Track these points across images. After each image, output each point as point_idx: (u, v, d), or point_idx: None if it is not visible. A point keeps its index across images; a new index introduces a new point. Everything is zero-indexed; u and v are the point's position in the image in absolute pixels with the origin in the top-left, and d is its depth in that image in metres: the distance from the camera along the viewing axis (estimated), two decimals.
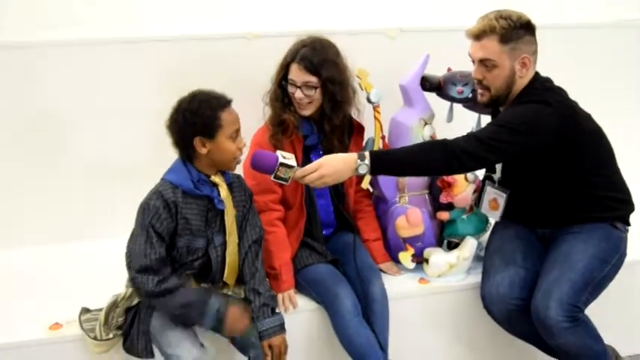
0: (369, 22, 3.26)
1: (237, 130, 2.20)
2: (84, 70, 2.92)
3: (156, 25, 3.12)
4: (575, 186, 2.42)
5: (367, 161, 2.19)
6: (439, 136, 2.72)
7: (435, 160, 2.25)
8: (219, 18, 3.24)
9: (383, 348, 2.43)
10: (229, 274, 2.32)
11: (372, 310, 2.47)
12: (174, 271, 2.22)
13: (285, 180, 2.18)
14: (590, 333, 2.31)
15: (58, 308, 2.43)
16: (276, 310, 2.35)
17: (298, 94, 2.49)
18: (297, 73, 2.48)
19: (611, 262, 2.39)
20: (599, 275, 2.36)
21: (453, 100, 2.74)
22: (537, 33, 2.42)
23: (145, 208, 2.15)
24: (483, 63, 2.41)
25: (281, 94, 2.54)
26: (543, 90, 2.41)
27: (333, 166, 2.21)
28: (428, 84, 2.73)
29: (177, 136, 2.18)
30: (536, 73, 2.46)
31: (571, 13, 3.35)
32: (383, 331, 2.47)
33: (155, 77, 2.92)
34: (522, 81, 2.42)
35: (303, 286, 2.54)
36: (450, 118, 2.82)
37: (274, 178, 2.17)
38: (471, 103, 2.74)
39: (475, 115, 2.80)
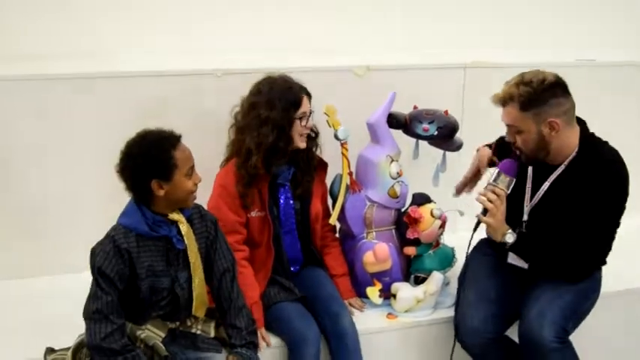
0: (336, 59, 3.32)
1: (192, 167, 2.18)
2: (43, 105, 2.87)
3: (122, 61, 3.12)
4: (605, 237, 2.45)
5: (515, 235, 2.41)
6: (406, 173, 2.78)
7: (565, 274, 2.46)
8: (187, 55, 3.27)
9: None
10: (197, 307, 2.30)
11: (344, 345, 2.48)
12: (140, 317, 2.20)
13: (501, 187, 2.40)
14: (574, 359, 2.40)
15: (21, 346, 2.40)
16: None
17: (310, 122, 2.56)
18: (306, 105, 2.55)
19: (590, 298, 2.54)
20: (582, 308, 2.50)
21: (419, 137, 2.78)
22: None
23: (94, 253, 2.12)
24: (510, 128, 2.41)
25: (278, 140, 2.50)
26: (607, 149, 2.43)
27: (503, 220, 2.41)
28: (395, 121, 2.77)
29: (130, 182, 2.13)
30: (584, 128, 2.44)
31: (535, 53, 3.46)
32: None
33: (120, 113, 2.88)
34: (562, 140, 2.38)
35: (270, 323, 2.53)
36: (415, 155, 2.86)
37: (497, 181, 2.40)
38: (436, 141, 2.79)
39: (440, 152, 2.85)
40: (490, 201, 2.38)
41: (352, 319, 2.54)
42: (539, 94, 2.32)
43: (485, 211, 2.42)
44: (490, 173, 2.47)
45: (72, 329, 2.29)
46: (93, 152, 2.91)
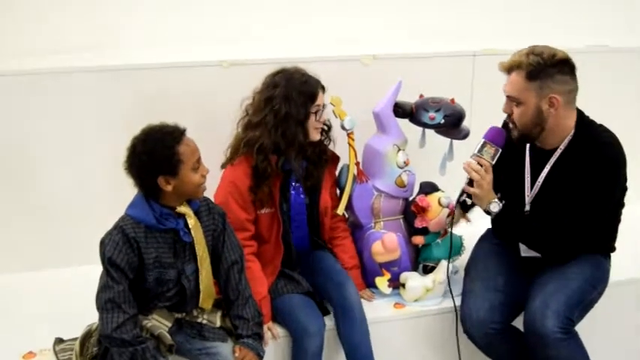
0: (343, 49, 3.30)
1: (199, 159, 2.19)
2: (51, 99, 2.88)
3: (126, 53, 3.13)
4: (597, 220, 2.42)
5: (501, 205, 2.38)
6: (413, 162, 2.77)
7: (553, 251, 2.47)
8: (193, 45, 3.27)
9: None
10: (205, 300, 2.31)
11: (351, 318, 2.49)
12: (146, 308, 2.22)
13: (486, 158, 2.38)
14: (580, 350, 2.38)
15: (31, 337, 2.43)
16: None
17: (324, 116, 2.55)
18: (321, 99, 2.54)
19: (598, 288, 2.51)
20: (589, 297, 2.47)
21: (425, 126, 2.78)
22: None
23: (103, 243, 2.14)
24: (510, 99, 2.39)
25: (298, 136, 2.48)
26: (600, 131, 2.42)
27: (490, 190, 2.37)
28: (401, 110, 2.76)
29: (138, 178, 2.15)
30: (581, 113, 2.45)
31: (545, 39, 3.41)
32: (364, 338, 2.49)
33: (126, 106, 2.89)
34: (559, 119, 2.37)
35: (275, 314, 2.53)
36: (422, 144, 2.86)
37: (481, 152, 2.37)
38: (442, 129, 2.78)
39: (447, 140, 2.84)
40: (475, 171, 2.36)
41: (357, 290, 2.58)
42: (548, 66, 2.30)
43: (471, 181, 2.39)
44: (477, 143, 2.42)
45: (80, 320, 2.34)
46: (99, 145, 2.93)
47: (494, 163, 2.39)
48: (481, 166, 2.37)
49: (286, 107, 2.46)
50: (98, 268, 2.18)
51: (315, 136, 2.55)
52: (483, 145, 2.39)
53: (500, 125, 2.59)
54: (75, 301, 2.43)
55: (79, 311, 2.31)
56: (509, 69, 2.36)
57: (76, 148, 2.95)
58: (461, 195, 2.46)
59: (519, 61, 2.33)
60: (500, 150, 2.39)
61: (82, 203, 2.99)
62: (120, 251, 2.12)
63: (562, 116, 2.38)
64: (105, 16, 3.22)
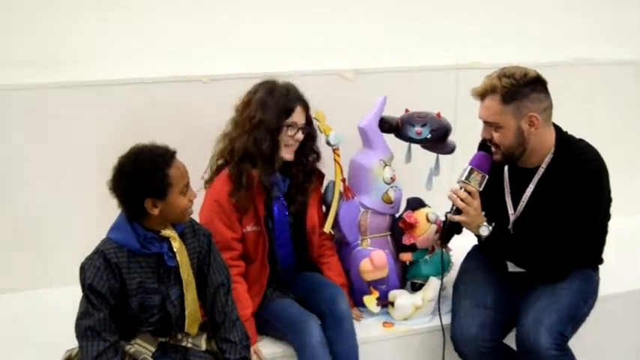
0: (325, 63, 3.27)
1: (187, 184, 2.13)
2: (28, 116, 2.80)
3: (105, 69, 3.06)
4: (585, 236, 2.40)
5: (490, 228, 2.37)
6: (399, 178, 2.73)
7: (545, 270, 2.44)
8: (173, 61, 3.22)
9: None
10: (190, 324, 2.24)
11: (342, 329, 2.45)
12: (129, 333, 2.15)
13: (473, 184, 2.37)
14: None
15: None
16: None
17: (299, 135, 2.48)
18: (300, 115, 2.48)
19: (589, 302, 2.49)
20: (581, 312, 2.45)
21: (411, 140, 2.74)
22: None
23: (84, 268, 2.06)
24: (488, 124, 2.38)
25: (265, 146, 2.43)
26: (581, 146, 2.42)
27: (478, 215, 2.36)
28: (386, 125, 2.72)
29: (123, 199, 2.08)
30: (559, 129, 2.44)
31: (526, 52, 3.43)
32: (353, 349, 2.45)
33: (103, 122, 2.82)
34: (539, 138, 2.37)
35: (268, 321, 2.48)
36: (408, 159, 2.82)
37: (468, 179, 2.36)
38: (429, 144, 2.75)
39: (433, 155, 2.80)
40: (462, 199, 2.35)
41: (348, 304, 2.54)
42: (521, 86, 2.30)
43: (457, 209, 2.37)
44: (462, 169, 2.41)
45: (60, 345, 2.24)
46: (79, 163, 2.85)
47: (481, 189, 2.37)
48: (468, 192, 2.35)
49: (260, 114, 2.43)
50: (79, 290, 2.09)
51: (285, 154, 2.48)
52: (470, 172, 2.38)
53: (477, 146, 2.58)
54: (55, 324, 2.34)
55: (59, 335, 2.22)
56: (482, 94, 2.35)
57: (56, 168, 2.86)
58: (448, 224, 2.46)
59: (492, 84, 2.31)
60: (487, 176, 2.38)
61: (61, 223, 2.90)
62: (101, 277, 2.04)
63: (542, 134, 2.38)
64: (77, 29, 3.15)
